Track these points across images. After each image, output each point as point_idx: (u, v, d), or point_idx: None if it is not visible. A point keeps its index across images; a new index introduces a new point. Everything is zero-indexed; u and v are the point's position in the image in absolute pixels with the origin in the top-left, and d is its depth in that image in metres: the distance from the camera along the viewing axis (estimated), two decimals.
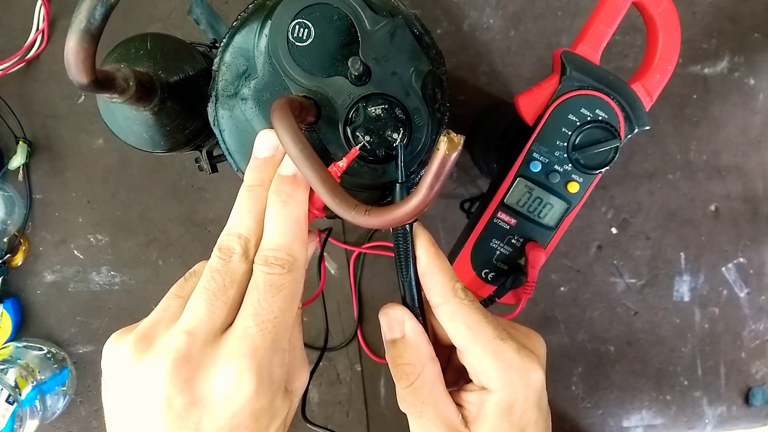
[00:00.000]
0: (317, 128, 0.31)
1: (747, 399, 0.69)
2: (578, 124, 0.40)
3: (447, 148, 0.23)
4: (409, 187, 0.31)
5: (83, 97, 0.61)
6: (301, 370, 0.30)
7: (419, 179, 0.25)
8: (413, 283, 0.31)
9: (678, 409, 0.69)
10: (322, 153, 0.30)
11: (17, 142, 0.60)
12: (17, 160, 0.60)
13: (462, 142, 0.23)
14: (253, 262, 0.27)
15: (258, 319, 0.26)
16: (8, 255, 0.61)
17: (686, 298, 0.68)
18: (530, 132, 0.41)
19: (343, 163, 0.28)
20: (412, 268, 0.31)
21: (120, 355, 0.26)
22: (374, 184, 0.32)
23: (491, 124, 0.58)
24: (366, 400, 0.66)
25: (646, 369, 0.68)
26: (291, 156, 0.26)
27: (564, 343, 0.67)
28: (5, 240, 0.61)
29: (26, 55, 0.60)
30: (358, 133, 0.31)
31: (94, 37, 0.24)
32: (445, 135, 0.23)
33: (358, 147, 0.30)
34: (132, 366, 0.25)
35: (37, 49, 0.60)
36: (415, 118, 0.31)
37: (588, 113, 0.40)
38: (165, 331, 0.26)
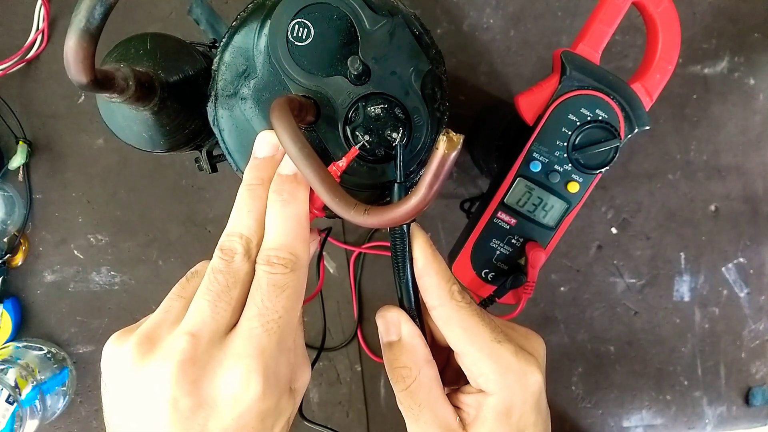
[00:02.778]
0: (317, 128, 0.31)
1: (747, 399, 0.69)
2: (578, 124, 0.40)
3: (446, 148, 0.23)
4: (408, 186, 0.31)
5: (83, 97, 0.61)
6: (304, 368, 0.30)
7: (418, 179, 0.25)
8: (410, 284, 0.31)
9: (678, 409, 0.69)
10: (321, 152, 0.30)
11: (17, 142, 0.60)
12: (17, 160, 0.60)
13: (461, 141, 0.23)
14: (255, 262, 0.27)
15: (263, 320, 0.26)
16: (8, 255, 0.61)
17: (686, 298, 0.68)
18: (530, 132, 0.41)
19: (342, 163, 0.28)
20: (409, 270, 0.31)
21: (122, 358, 0.25)
22: (373, 184, 0.32)
23: (491, 124, 0.58)
24: (366, 400, 0.66)
25: (646, 369, 0.68)
26: (290, 155, 0.26)
27: (564, 343, 0.67)
28: (5, 240, 0.61)
29: (26, 55, 0.60)
30: (357, 133, 0.31)
31: (93, 36, 0.24)
32: (444, 134, 0.23)
33: (357, 146, 0.30)
34: (135, 368, 0.25)
35: (37, 49, 0.60)
36: (414, 117, 0.31)
37: (588, 113, 0.40)
38: (168, 333, 0.26)
